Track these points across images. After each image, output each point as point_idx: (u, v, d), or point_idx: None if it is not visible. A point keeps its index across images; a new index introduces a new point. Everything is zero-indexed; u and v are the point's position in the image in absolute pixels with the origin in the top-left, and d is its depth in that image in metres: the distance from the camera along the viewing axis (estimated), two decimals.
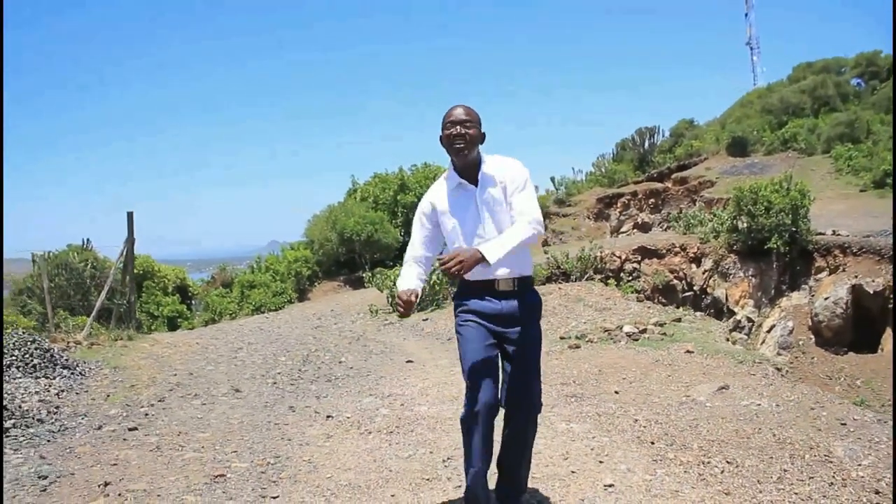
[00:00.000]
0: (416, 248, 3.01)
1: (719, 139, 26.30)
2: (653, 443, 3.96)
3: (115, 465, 4.21)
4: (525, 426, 2.92)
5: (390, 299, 11.44)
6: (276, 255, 21.41)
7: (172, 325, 17.21)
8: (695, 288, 15.40)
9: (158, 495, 3.66)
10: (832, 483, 3.19)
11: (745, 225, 14.63)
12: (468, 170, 2.91)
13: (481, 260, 2.62)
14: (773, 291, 14.92)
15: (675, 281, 15.66)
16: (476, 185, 2.89)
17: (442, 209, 2.94)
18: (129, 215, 10.69)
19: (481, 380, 2.77)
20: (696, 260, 15.77)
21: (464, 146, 2.83)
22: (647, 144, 28.99)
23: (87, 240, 16.11)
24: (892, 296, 11.91)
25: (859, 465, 3.37)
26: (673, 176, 25.17)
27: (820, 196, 17.70)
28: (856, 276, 12.57)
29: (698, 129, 29.33)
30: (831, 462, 3.43)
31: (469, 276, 2.83)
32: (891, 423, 4.14)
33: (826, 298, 12.96)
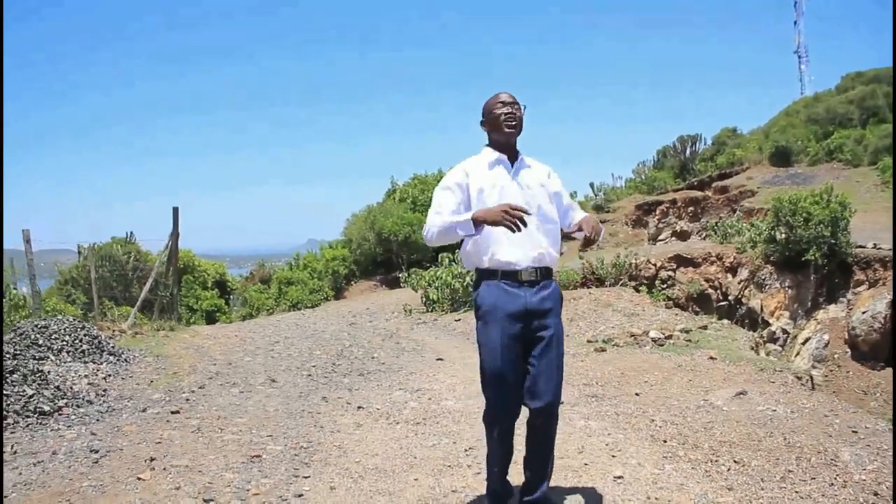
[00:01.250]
0: (448, 213, 2.92)
1: (762, 148, 26.01)
2: (665, 441, 4.11)
3: (159, 443, 4.51)
4: (549, 421, 2.97)
5: (424, 299, 11.68)
6: (315, 253, 21.82)
7: (211, 319, 17.59)
8: (730, 298, 15.34)
9: (200, 471, 3.95)
10: (833, 484, 3.31)
11: (783, 236, 14.53)
12: (510, 149, 3.04)
13: (599, 235, 2.97)
14: (809, 304, 14.79)
15: (710, 290, 15.61)
16: (513, 165, 3.02)
17: (477, 175, 2.98)
18: (175, 210, 11.15)
19: (501, 386, 2.87)
20: (732, 270, 15.69)
21: (515, 123, 2.98)
22: (688, 152, 28.78)
23: (131, 233, 16.59)
24: None
25: (864, 469, 3.47)
26: (713, 184, 24.96)
27: (864, 209, 17.45)
28: None
29: (741, 138, 29.02)
30: (836, 465, 3.55)
31: (487, 263, 2.93)
32: None
33: (864, 312, 12.83)
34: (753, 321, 15.14)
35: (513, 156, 3.05)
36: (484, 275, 2.98)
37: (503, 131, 2.99)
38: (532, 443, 3.02)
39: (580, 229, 3.01)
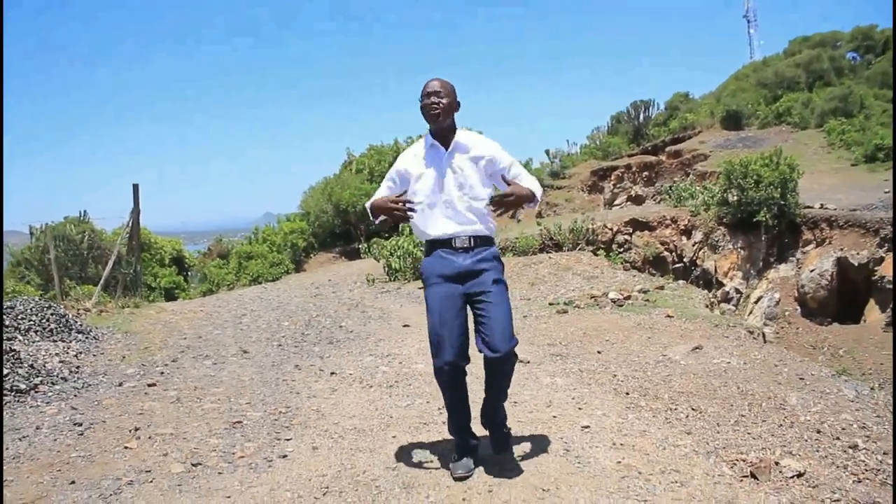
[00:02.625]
0: (384, 192, 3.43)
1: (714, 113, 26.54)
2: (627, 394, 4.36)
3: (140, 414, 4.59)
4: (505, 364, 3.20)
5: (386, 268, 11.81)
6: (273, 226, 21.71)
7: (170, 297, 17.39)
8: (685, 260, 15.81)
9: (184, 438, 4.05)
10: (781, 425, 3.59)
11: (735, 198, 14.99)
12: (442, 135, 3.30)
13: (531, 197, 3.22)
14: (761, 263, 15.33)
15: (666, 253, 16.06)
16: (447, 149, 3.29)
17: (413, 165, 3.34)
18: (135, 187, 11.02)
19: (444, 339, 3.14)
20: (687, 232, 16.15)
21: (438, 112, 3.22)
22: (641, 117, 29.21)
23: (84, 212, 16.25)
24: (875, 269, 12.33)
25: (809, 411, 3.77)
26: (667, 149, 25.43)
27: (812, 170, 18.04)
28: (841, 249, 12.97)
29: (693, 103, 29.55)
30: (784, 409, 3.83)
31: (428, 235, 3.30)
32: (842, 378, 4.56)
33: (812, 270, 13.38)
34: (708, 282, 15.63)
35: (447, 140, 3.31)
36: (427, 245, 3.36)
37: (428, 121, 3.30)
38: (488, 385, 3.34)
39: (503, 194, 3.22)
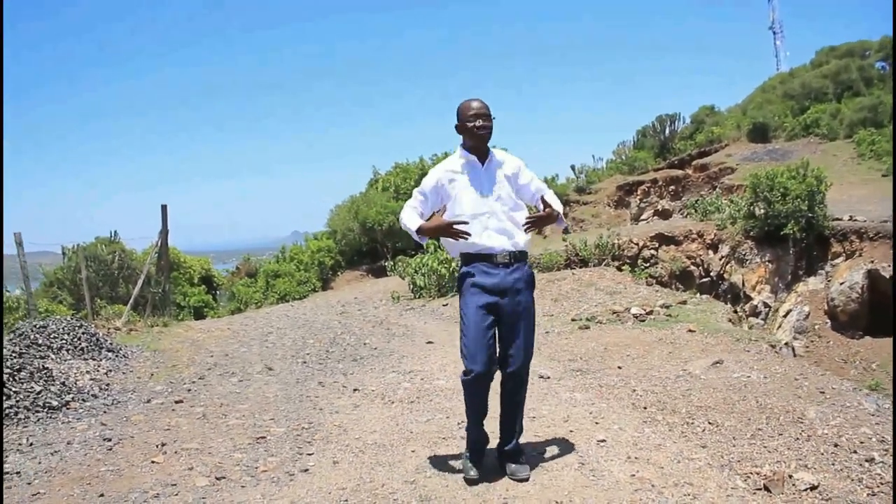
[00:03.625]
0: (417, 207, 3.47)
1: (740, 125, 26.34)
2: (645, 408, 4.37)
3: (167, 430, 4.72)
4: (518, 384, 3.43)
5: (411, 286, 11.90)
6: (300, 245, 21.95)
7: (199, 315, 17.65)
8: (712, 274, 15.68)
9: (209, 453, 4.16)
10: (797, 438, 3.58)
11: (762, 211, 14.86)
12: (481, 153, 3.42)
13: (559, 217, 3.35)
14: (789, 277, 15.15)
15: (693, 267, 15.94)
16: (483, 164, 3.41)
17: (451, 180, 3.42)
18: (164, 208, 11.27)
19: (478, 350, 3.27)
20: (714, 246, 16.02)
21: (486, 133, 3.37)
22: (667, 131, 29.07)
23: (115, 232, 16.64)
24: None
25: (827, 424, 3.75)
26: (693, 163, 25.28)
27: (841, 181, 17.81)
28: (872, 261, 12.78)
29: (719, 116, 29.34)
30: (802, 422, 3.82)
31: (467, 248, 3.37)
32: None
33: (842, 283, 13.19)
34: (736, 296, 15.48)
35: (483, 156, 3.43)
36: (467, 258, 3.43)
37: (476, 142, 3.40)
38: (504, 403, 3.50)
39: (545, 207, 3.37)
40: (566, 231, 22.16)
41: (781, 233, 14.46)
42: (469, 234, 3.26)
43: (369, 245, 20.32)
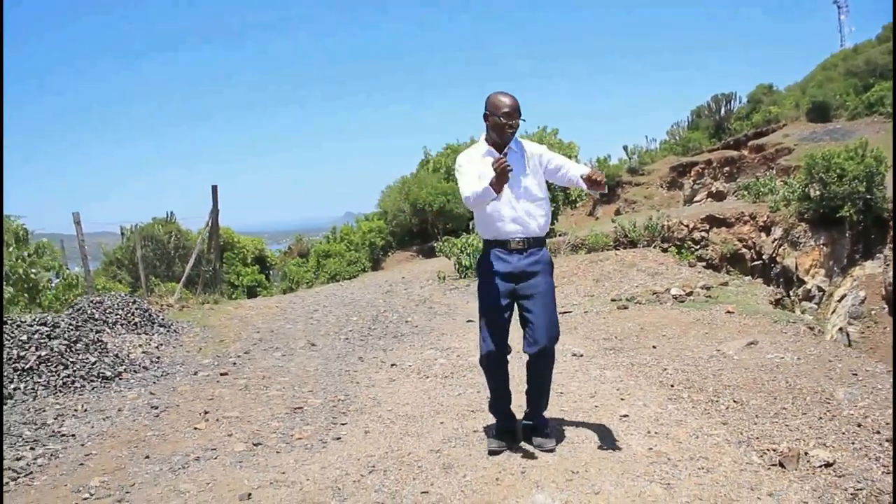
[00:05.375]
0: (471, 175, 3.35)
1: (799, 104, 25.55)
2: (672, 386, 4.39)
3: (211, 399, 4.97)
4: (545, 362, 3.48)
5: (457, 266, 12.02)
6: (351, 225, 22.24)
7: (252, 294, 18.00)
8: (764, 257, 15.37)
9: (249, 421, 4.39)
10: (821, 418, 3.55)
11: (817, 193, 14.48)
12: (502, 147, 3.45)
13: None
14: (845, 260, 14.76)
15: (744, 250, 15.64)
16: (500, 153, 3.41)
17: (477, 165, 3.40)
18: (214, 188, 11.63)
19: (491, 332, 3.41)
20: (766, 229, 15.69)
21: (513, 133, 3.43)
22: (723, 111, 28.38)
23: (171, 213, 17.09)
24: None
25: (855, 405, 3.71)
26: (749, 143, 24.64)
27: None
28: None
29: (777, 95, 28.48)
30: (829, 403, 3.79)
31: (487, 234, 3.47)
32: None
33: None
34: (788, 279, 15.16)
35: (501, 148, 3.44)
36: (486, 244, 3.53)
37: (502, 139, 3.43)
38: (531, 380, 3.58)
39: (588, 179, 3.30)
40: (617, 212, 21.93)
41: (837, 215, 14.08)
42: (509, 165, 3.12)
43: (420, 226, 20.45)
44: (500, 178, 3.08)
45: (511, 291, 3.42)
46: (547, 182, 3.52)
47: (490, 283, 3.43)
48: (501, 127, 3.38)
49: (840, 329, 13.99)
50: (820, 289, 15.14)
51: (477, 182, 3.28)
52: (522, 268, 3.40)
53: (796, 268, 15.17)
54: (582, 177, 3.34)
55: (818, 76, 28.22)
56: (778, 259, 15.42)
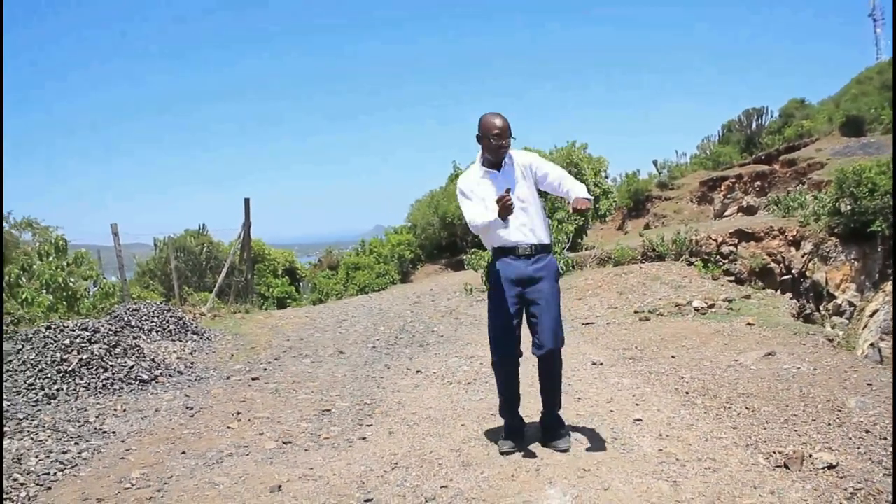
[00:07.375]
0: (477, 204, 3.61)
1: (833, 119, 25.27)
2: (687, 393, 4.51)
3: (243, 402, 5.21)
4: (553, 364, 3.68)
5: (483, 278, 12.17)
6: (381, 238, 22.53)
7: (282, 306, 18.22)
8: (793, 272, 15.26)
9: (279, 422, 4.62)
10: (830, 424, 3.65)
11: (848, 207, 14.37)
12: (498, 164, 3.66)
13: (589, 201, 3.48)
14: (877, 275, 14.58)
15: (773, 264, 15.54)
16: (498, 171, 3.66)
17: (475, 188, 3.65)
18: (246, 202, 11.97)
19: (501, 336, 3.63)
20: (796, 243, 15.58)
21: (505, 152, 3.63)
22: (754, 126, 28.18)
23: (203, 224, 17.45)
24: None
25: (865, 413, 3.79)
26: (781, 158, 24.45)
27: None
28: None
29: (810, 109, 28.21)
30: (840, 411, 3.88)
31: (494, 243, 3.66)
32: None
33: None
34: (818, 295, 15.02)
35: (498, 166, 3.66)
36: (495, 252, 3.73)
37: (495, 158, 3.63)
38: (543, 380, 3.77)
39: (575, 210, 3.51)
40: (646, 227, 21.90)
41: (869, 230, 13.95)
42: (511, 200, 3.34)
43: (448, 239, 20.65)
44: (505, 213, 3.33)
45: (520, 295, 3.60)
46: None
47: (499, 288, 3.63)
48: (495, 148, 3.58)
49: (871, 345, 13.82)
50: (851, 304, 14.97)
51: (484, 211, 3.54)
52: (530, 273, 3.59)
53: (826, 283, 15.02)
54: (569, 203, 3.54)
55: (852, 90, 27.92)
56: (808, 274, 15.28)
